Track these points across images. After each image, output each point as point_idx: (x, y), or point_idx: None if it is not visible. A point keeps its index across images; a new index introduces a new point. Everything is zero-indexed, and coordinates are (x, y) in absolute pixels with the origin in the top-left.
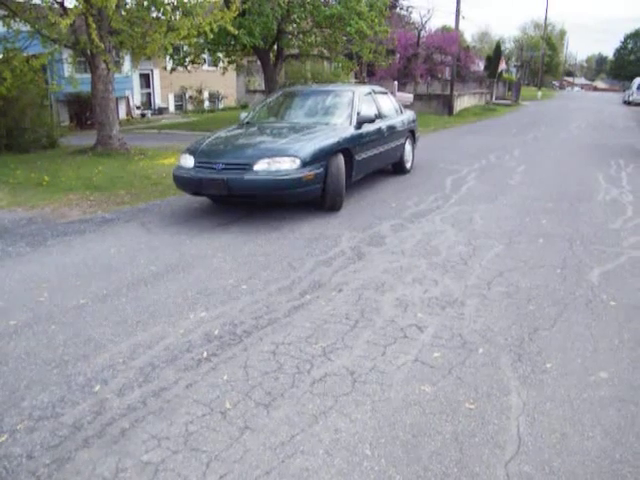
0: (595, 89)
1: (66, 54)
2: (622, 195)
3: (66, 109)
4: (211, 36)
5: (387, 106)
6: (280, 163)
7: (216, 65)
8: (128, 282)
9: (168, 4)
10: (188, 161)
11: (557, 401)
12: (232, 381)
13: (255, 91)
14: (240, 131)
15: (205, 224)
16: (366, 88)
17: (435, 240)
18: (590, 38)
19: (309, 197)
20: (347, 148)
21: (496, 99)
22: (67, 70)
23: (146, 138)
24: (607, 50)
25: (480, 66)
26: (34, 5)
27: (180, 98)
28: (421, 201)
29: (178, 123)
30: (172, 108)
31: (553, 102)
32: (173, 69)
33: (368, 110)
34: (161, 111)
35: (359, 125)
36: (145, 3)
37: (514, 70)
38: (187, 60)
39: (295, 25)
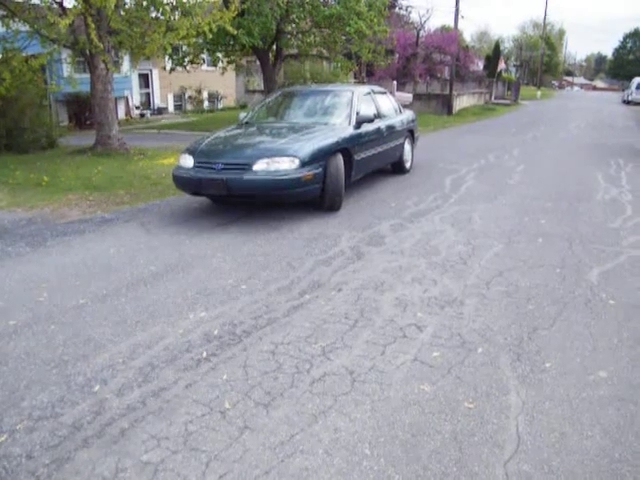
0: (594, 89)
1: (65, 54)
2: (621, 194)
3: (65, 109)
4: (210, 36)
5: (386, 106)
6: (279, 163)
7: (215, 65)
8: (127, 282)
9: (167, 4)
10: (187, 161)
11: (556, 400)
12: (231, 381)
13: (254, 91)
14: (239, 131)
15: (204, 224)
16: (365, 88)
17: (434, 240)
18: (589, 38)
19: (308, 197)
20: (346, 148)
21: (495, 99)
22: (66, 70)
23: (145, 138)
24: (606, 50)
25: (479, 66)
26: (33, 5)
27: (179, 98)
28: (420, 201)
29: (177, 123)
30: (171, 108)
31: (552, 102)
32: (172, 69)
33: (367, 110)
34: (160, 111)
35: (358, 125)
36: (144, 3)
37: (513, 70)
38: (186, 60)
39: (294, 25)
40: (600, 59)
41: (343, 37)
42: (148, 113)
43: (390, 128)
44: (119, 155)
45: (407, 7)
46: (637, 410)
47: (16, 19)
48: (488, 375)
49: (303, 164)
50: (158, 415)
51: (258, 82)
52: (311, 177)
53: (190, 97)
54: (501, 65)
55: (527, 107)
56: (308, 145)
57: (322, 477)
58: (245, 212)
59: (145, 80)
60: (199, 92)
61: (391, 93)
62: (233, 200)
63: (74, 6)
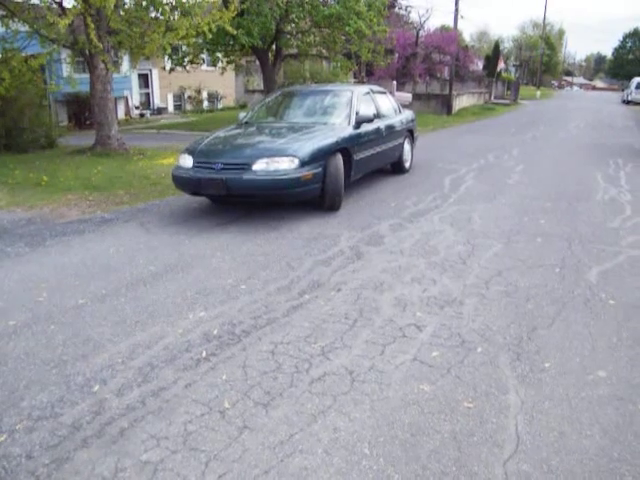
0: (594, 88)
1: (65, 54)
2: (620, 194)
3: (65, 109)
4: (210, 36)
5: (386, 106)
6: (279, 163)
7: (215, 65)
8: (127, 282)
9: (167, 4)
10: (187, 161)
11: (555, 400)
12: (231, 381)
13: (254, 91)
14: (239, 131)
15: (204, 224)
16: (365, 88)
17: (434, 240)
18: (589, 37)
19: (308, 197)
20: (346, 148)
21: (495, 98)
22: (66, 70)
23: (145, 138)
24: (606, 49)
25: (479, 66)
26: (32, 5)
27: (179, 98)
28: (420, 201)
29: (177, 123)
30: (171, 108)
31: (552, 101)
32: (172, 69)
33: (367, 110)
34: (160, 111)
35: (358, 125)
36: (144, 3)
37: (513, 69)
38: (186, 60)
39: (294, 25)
40: (599, 59)
41: (343, 37)
42: (148, 113)
43: (389, 128)
44: (119, 155)
45: (407, 7)
46: (636, 410)
47: (15, 19)
48: (487, 375)
49: (303, 164)
50: (157, 415)
51: (258, 82)
52: (310, 177)
53: (190, 97)
54: (501, 65)
55: (526, 107)
56: (308, 145)
57: (321, 477)
58: (244, 212)
59: (145, 80)
60: (199, 92)
61: (391, 93)
62: (232, 200)
63: (73, 6)
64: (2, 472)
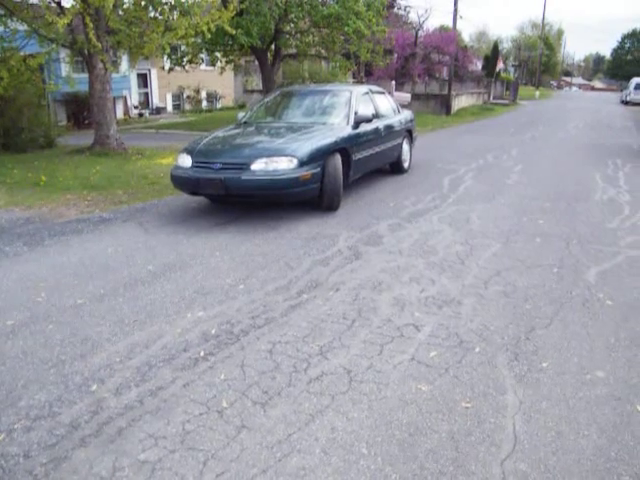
0: (593, 89)
1: (63, 54)
2: (619, 195)
3: (63, 109)
4: (209, 36)
5: (384, 106)
6: (277, 163)
7: (214, 65)
8: (125, 282)
9: (166, 4)
10: (186, 161)
11: (553, 400)
12: (229, 380)
13: (253, 91)
14: (238, 131)
15: (202, 224)
16: (363, 88)
17: (432, 240)
18: (588, 38)
19: (306, 197)
20: (344, 148)
21: (494, 99)
22: (64, 70)
23: (144, 138)
24: (605, 50)
25: (478, 66)
26: (31, 4)
27: (178, 98)
28: (419, 201)
29: (176, 123)
30: (170, 108)
31: (551, 102)
32: (171, 69)
33: (365, 110)
34: (159, 111)
35: (356, 125)
36: (143, 3)
37: (512, 70)
38: (185, 60)
39: (293, 25)
40: (598, 59)
41: (342, 37)
42: (146, 113)
43: (388, 128)
44: (117, 155)
45: (406, 7)
46: (633, 409)
47: (14, 18)
48: (485, 375)
49: (301, 164)
50: (155, 414)
51: (257, 82)
52: (309, 177)
53: (188, 97)
54: (500, 65)
55: (525, 107)
56: (306, 145)
57: (319, 476)
58: (243, 212)
59: (143, 80)
60: (197, 92)
61: (389, 93)
62: (231, 200)
63: (72, 5)
64: (0, 471)
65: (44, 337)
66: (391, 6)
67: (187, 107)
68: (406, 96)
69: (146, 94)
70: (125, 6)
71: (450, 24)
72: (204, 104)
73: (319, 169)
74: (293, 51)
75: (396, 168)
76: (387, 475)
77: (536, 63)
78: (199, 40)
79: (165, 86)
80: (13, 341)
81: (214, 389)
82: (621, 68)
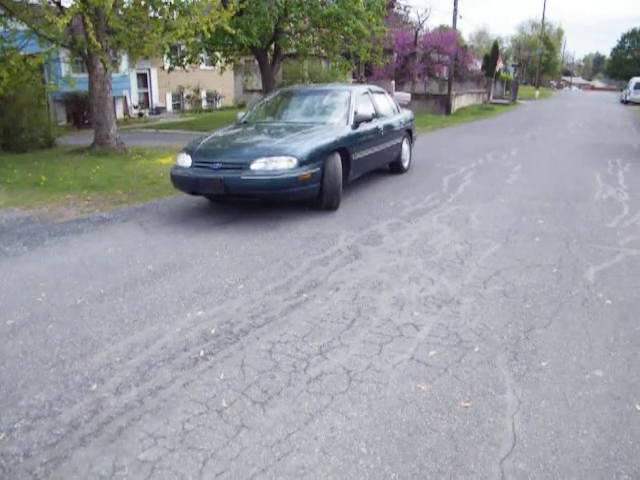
0: (592, 88)
1: (63, 53)
2: (619, 194)
3: (63, 109)
4: (208, 36)
5: (384, 105)
6: (277, 162)
7: (214, 65)
8: (125, 281)
9: (165, 3)
10: (185, 160)
11: (552, 399)
12: (228, 380)
13: (252, 90)
14: (237, 130)
15: (202, 223)
16: (363, 87)
17: (432, 239)
18: (588, 37)
19: (306, 196)
20: (344, 147)
21: (494, 98)
22: (64, 69)
23: (144, 138)
24: (604, 49)
25: (478, 65)
26: (31, 4)
27: (178, 97)
28: (418, 200)
29: (176, 122)
30: (170, 107)
31: (551, 101)
32: (171, 68)
33: (365, 109)
34: (159, 110)
35: (356, 124)
36: (142, 2)
37: (512, 69)
38: (185, 59)
39: (292, 24)
40: (598, 59)
41: (341, 37)
42: (146, 112)
43: (388, 128)
44: (117, 155)
45: (405, 7)
46: (633, 409)
47: (14, 18)
48: (484, 374)
49: (301, 163)
50: (155, 414)
51: (256, 82)
52: (309, 176)
53: (188, 96)
54: (499, 65)
55: (525, 107)
56: (306, 144)
57: (318, 475)
58: (243, 211)
59: (143, 79)
60: (197, 92)
61: (389, 93)
62: (231, 199)
63: (72, 5)
64: (0, 471)
65: (44, 337)
66: (391, 6)
67: (187, 107)
68: (406, 96)
69: (146, 94)
70: (125, 6)
71: (450, 24)
72: (204, 104)
73: (319, 169)
74: (293, 51)
75: (396, 168)
76: (386, 474)
77: (536, 63)
78: (199, 40)
79: (165, 86)
80: (13, 341)
81: (214, 389)
82: (621, 68)
